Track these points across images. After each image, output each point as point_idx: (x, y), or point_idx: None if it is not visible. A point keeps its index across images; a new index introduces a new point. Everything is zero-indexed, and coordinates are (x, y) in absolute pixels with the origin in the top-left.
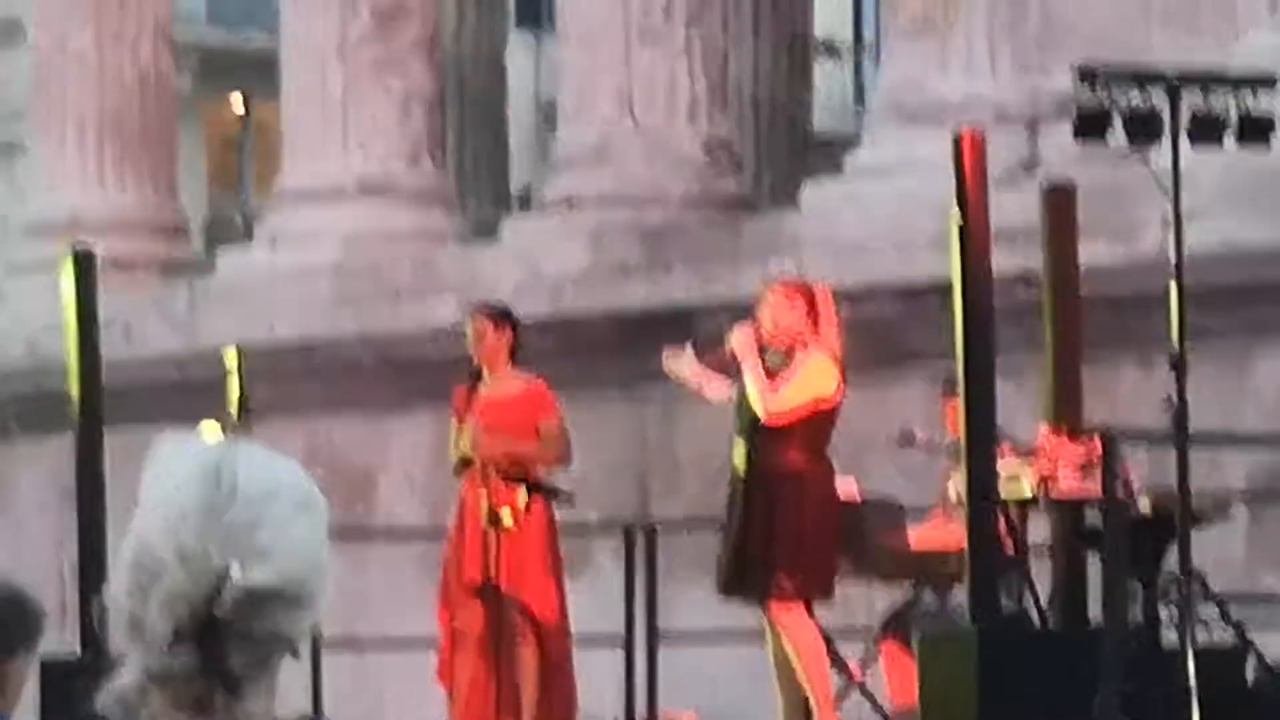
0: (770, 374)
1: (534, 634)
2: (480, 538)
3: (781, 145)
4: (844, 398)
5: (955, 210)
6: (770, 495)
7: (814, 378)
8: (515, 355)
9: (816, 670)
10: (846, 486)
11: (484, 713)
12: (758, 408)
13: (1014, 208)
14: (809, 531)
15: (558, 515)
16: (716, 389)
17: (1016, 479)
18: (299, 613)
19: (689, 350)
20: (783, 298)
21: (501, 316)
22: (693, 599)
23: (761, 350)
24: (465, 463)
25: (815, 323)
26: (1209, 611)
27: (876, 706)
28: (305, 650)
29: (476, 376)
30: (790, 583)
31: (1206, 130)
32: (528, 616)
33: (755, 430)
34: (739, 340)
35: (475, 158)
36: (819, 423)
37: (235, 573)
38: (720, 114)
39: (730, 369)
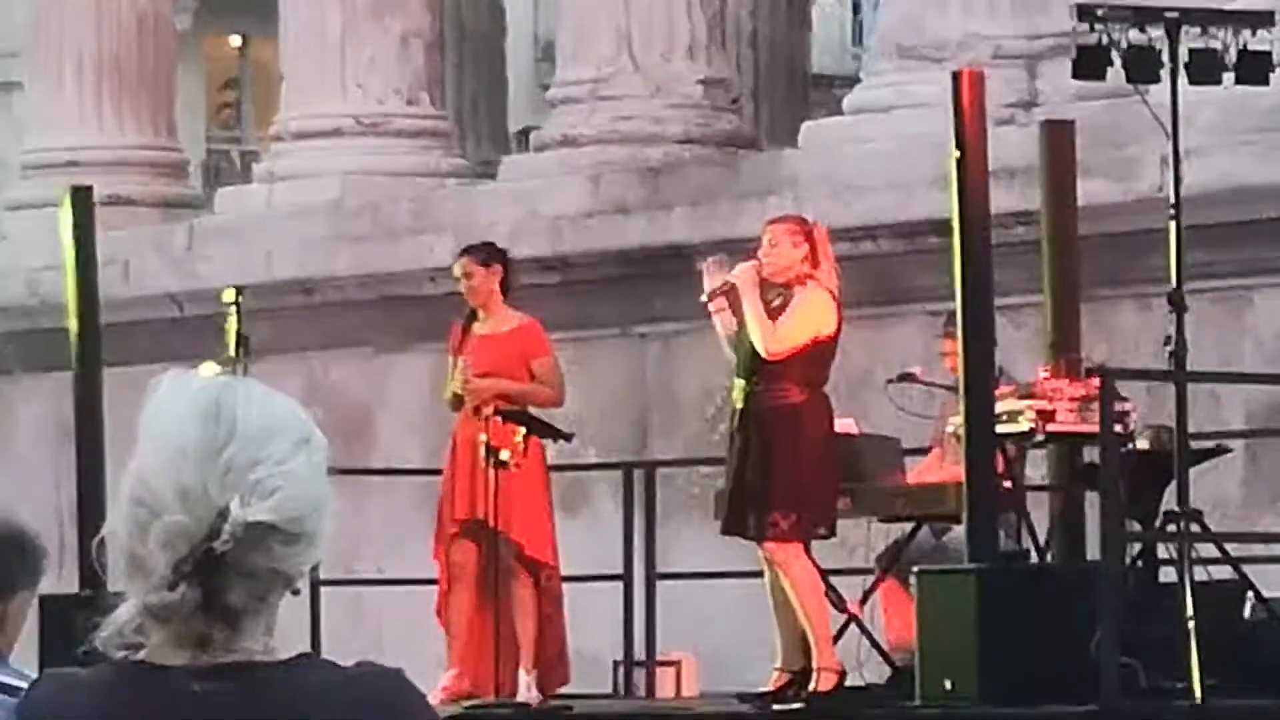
0: (770, 311)
1: (529, 573)
2: (471, 475)
3: (780, 84)
4: (842, 334)
5: (954, 149)
6: (767, 431)
7: (813, 313)
8: (508, 291)
9: (815, 608)
10: (845, 427)
11: (481, 649)
12: (758, 344)
13: (1013, 146)
14: (805, 468)
15: (551, 454)
16: (725, 320)
17: (1015, 417)
18: (298, 549)
19: (726, 271)
20: (783, 235)
21: (488, 256)
22: (691, 538)
23: (762, 288)
24: (458, 400)
25: (815, 260)
26: (1207, 549)
27: (875, 644)
28: (304, 588)
29: (474, 315)
30: (786, 522)
31: (1205, 68)
32: (522, 556)
33: (755, 367)
34: (741, 277)
35: (474, 97)
36: (818, 358)
37: (235, 510)
38: (719, 53)
39: (733, 306)
